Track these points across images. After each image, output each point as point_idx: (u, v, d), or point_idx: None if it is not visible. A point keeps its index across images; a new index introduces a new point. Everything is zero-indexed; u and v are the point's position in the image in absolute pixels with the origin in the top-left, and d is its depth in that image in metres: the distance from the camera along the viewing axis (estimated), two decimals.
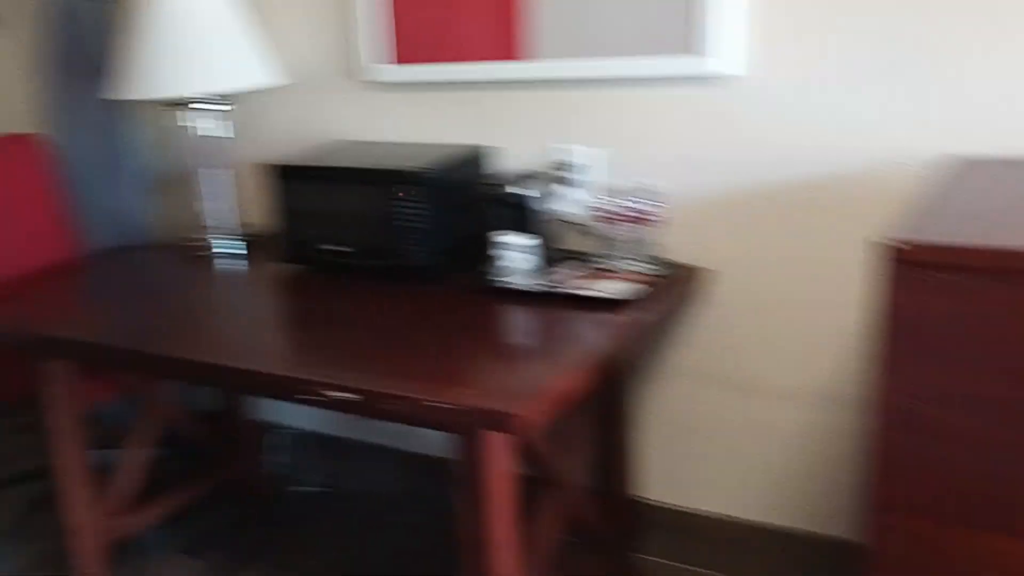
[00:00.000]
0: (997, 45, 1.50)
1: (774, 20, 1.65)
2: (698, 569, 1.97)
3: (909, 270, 1.11)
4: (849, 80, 1.62)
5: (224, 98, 2.11)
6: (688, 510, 1.98)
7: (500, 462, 1.34)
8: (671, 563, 2.00)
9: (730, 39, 1.68)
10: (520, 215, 1.76)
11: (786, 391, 1.81)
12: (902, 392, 1.16)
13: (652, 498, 2.01)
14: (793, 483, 1.86)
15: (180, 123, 2.35)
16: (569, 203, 1.85)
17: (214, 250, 2.11)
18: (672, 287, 1.70)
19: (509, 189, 1.77)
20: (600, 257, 1.76)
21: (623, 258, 1.73)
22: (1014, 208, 1.24)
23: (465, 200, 1.83)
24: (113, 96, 2.08)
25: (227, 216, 2.16)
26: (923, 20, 1.54)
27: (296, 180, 1.85)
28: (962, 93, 1.54)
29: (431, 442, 2.28)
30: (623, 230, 1.73)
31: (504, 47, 1.89)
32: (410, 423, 1.34)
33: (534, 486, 1.62)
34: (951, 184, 1.37)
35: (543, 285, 1.68)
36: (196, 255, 2.11)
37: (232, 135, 2.30)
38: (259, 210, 2.32)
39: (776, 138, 1.70)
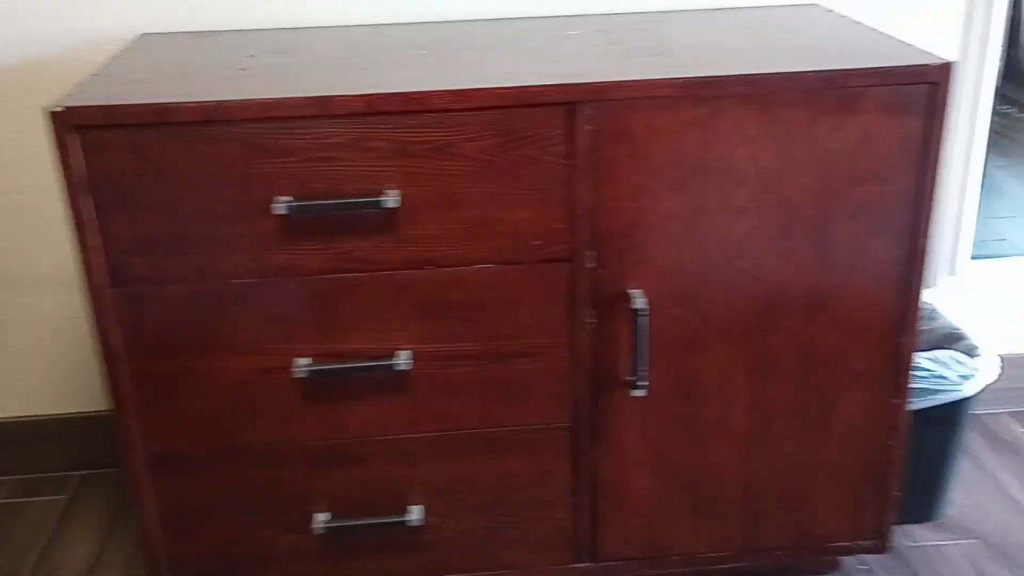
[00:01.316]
0: None
1: None
2: None
3: (76, 133, 1.18)
4: None
5: None
6: None
7: None
8: None
9: None
10: None
11: (41, 280, 1.81)
12: (106, 249, 1.25)
13: None
14: (71, 368, 1.89)
15: None
16: None
17: None
18: None
19: None
20: None
21: None
22: (175, 72, 1.39)
23: None
24: None
25: None
26: None
27: None
28: None
29: None
30: None
31: None
32: None
33: None
34: (129, 56, 1.47)
35: None
36: None
37: None
38: None
39: None
